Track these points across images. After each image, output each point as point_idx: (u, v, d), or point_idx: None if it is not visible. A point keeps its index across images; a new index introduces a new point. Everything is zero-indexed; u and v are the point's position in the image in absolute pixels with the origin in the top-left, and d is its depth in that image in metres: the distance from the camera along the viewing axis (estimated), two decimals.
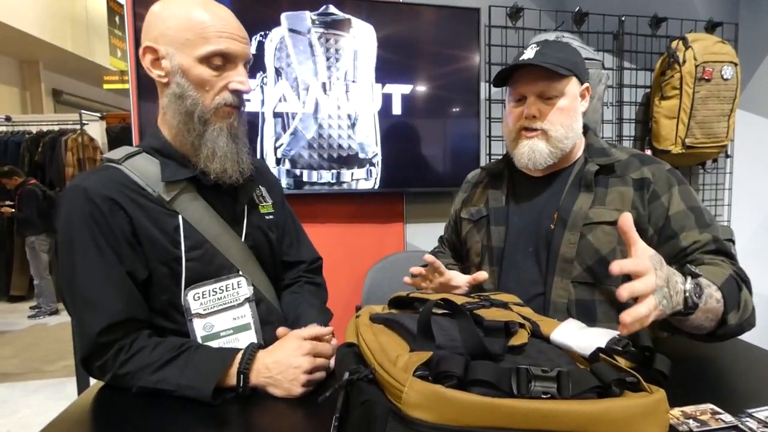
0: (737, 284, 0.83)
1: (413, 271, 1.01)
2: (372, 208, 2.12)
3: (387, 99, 2.00)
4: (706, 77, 2.05)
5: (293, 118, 1.88)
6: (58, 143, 4.89)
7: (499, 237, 1.06)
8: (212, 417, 0.70)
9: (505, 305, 0.70)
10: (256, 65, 1.80)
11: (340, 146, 1.95)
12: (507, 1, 2.11)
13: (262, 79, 1.85)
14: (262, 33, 1.83)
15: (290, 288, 1.07)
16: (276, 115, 1.88)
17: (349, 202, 2.09)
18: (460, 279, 1.02)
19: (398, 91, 2.01)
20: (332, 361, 0.82)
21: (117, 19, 5.71)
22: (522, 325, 0.59)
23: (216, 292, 0.88)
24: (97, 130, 5.16)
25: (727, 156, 2.43)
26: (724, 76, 2.07)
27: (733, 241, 2.20)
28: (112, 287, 0.79)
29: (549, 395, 0.43)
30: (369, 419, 0.48)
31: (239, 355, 0.77)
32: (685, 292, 0.72)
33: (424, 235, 2.16)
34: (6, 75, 6.36)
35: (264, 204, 1.01)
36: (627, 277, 0.64)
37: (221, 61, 0.82)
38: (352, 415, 0.52)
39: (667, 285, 0.68)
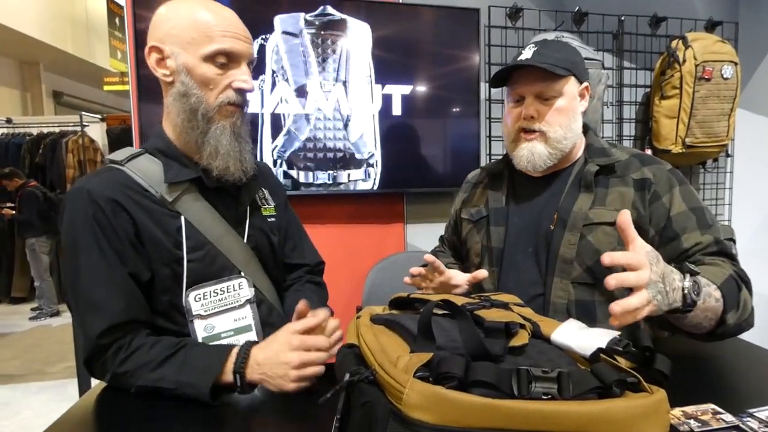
0: (737, 284, 0.83)
1: (413, 271, 1.01)
2: (372, 209, 2.12)
3: (387, 99, 2.00)
4: (706, 76, 2.05)
5: (286, 119, 1.89)
6: (59, 145, 4.89)
7: (498, 237, 1.06)
8: (213, 418, 0.70)
9: (505, 306, 0.70)
10: (257, 68, 1.81)
11: (334, 147, 1.95)
12: (506, 2, 2.11)
13: (261, 80, 1.85)
14: (264, 36, 1.83)
15: (292, 287, 1.07)
16: (271, 116, 1.88)
17: (349, 203, 2.09)
18: (459, 278, 1.02)
19: (398, 91, 2.01)
20: (335, 348, 0.80)
21: (117, 20, 5.72)
22: (522, 326, 0.59)
23: (217, 293, 0.88)
24: (97, 131, 5.17)
25: (727, 155, 2.43)
26: (724, 76, 2.07)
27: (733, 241, 2.21)
28: (114, 289, 0.80)
29: (549, 396, 0.43)
30: (370, 420, 0.48)
31: (234, 353, 0.77)
32: (683, 289, 0.72)
33: (425, 236, 2.16)
34: (6, 77, 6.36)
35: (266, 206, 1.02)
36: (624, 270, 0.64)
37: (225, 59, 0.83)
38: (353, 416, 0.52)
39: (663, 281, 0.68)
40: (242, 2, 1.79)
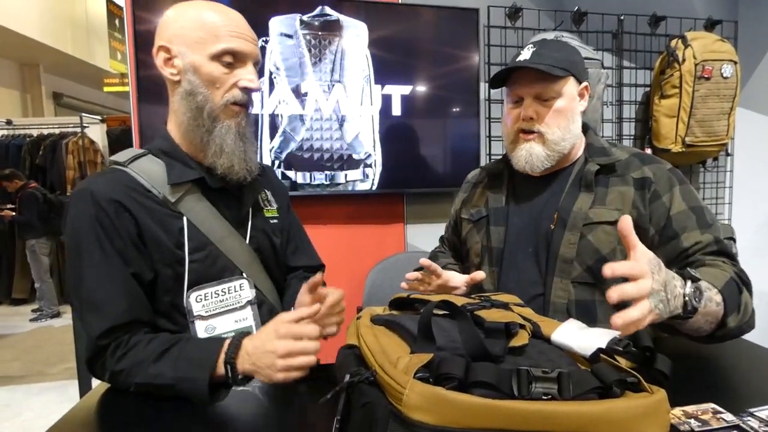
0: (738, 287, 0.83)
1: (409, 276, 1.01)
2: (372, 209, 2.12)
3: (387, 100, 2.00)
4: (706, 75, 2.05)
5: (282, 120, 1.89)
6: (59, 146, 4.89)
7: (498, 237, 1.06)
8: (213, 419, 0.70)
9: (505, 306, 0.70)
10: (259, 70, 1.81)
11: (330, 148, 1.95)
12: (506, 1, 2.11)
13: (260, 81, 1.85)
14: (264, 39, 1.84)
15: (291, 283, 1.07)
16: (269, 117, 1.88)
17: (349, 203, 2.09)
18: (458, 279, 1.02)
19: (398, 92, 2.01)
20: (332, 328, 0.80)
21: (117, 21, 5.72)
22: (522, 326, 0.59)
23: (218, 294, 0.88)
24: (97, 132, 5.17)
25: (727, 154, 2.43)
26: (724, 75, 2.07)
27: (734, 239, 2.21)
28: (116, 289, 0.80)
29: (550, 396, 0.43)
30: (370, 421, 0.48)
31: (227, 344, 0.77)
32: (684, 296, 0.72)
33: (425, 236, 2.16)
34: (7, 78, 6.37)
35: (269, 208, 1.02)
36: (626, 278, 0.64)
37: (232, 59, 0.84)
38: (353, 417, 0.52)
39: (665, 289, 0.68)
40: (241, 3, 1.80)
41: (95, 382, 0.84)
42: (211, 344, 0.78)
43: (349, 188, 1.99)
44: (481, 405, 0.41)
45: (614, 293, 0.62)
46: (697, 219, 0.92)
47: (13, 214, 4.45)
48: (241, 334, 0.79)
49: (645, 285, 0.64)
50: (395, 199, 2.14)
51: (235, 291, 0.90)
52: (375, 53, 1.97)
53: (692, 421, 0.62)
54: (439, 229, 1.37)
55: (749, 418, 0.63)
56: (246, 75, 0.86)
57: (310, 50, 1.89)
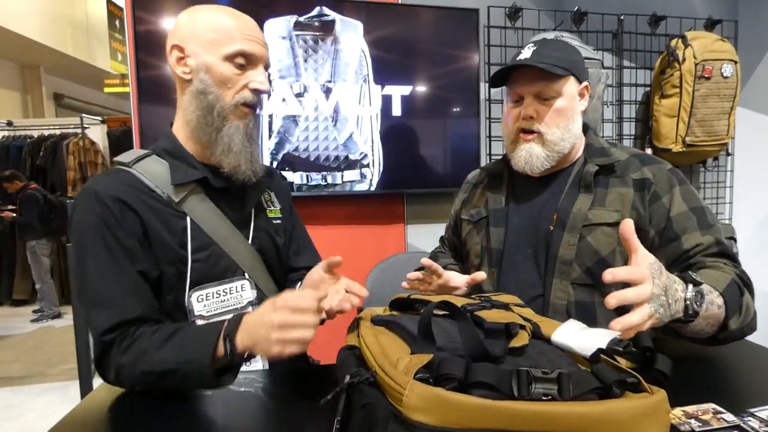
0: (739, 289, 0.83)
1: (410, 276, 1.01)
2: (372, 210, 2.12)
3: (387, 100, 2.00)
4: (706, 75, 2.05)
5: (276, 121, 1.89)
6: (60, 147, 4.90)
7: (498, 239, 1.06)
8: (213, 419, 0.70)
9: (505, 306, 0.70)
10: None
11: (325, 148, 1.95)
12: (506, 2, 2.11)
13: None
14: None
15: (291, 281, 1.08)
16: (267, 118, 1.89)
17: (349, 204, 2.09)
18: (458, 279, 1.01)
19: (398, 92, 2.01)
20: (346, 305, 0.78)
21: (117, 22, 5.72)
22: (522, 327, 0.59)
23: (219, 294, 0.89)
24: (98, 133, 5.18)
25: (727, 154, 2.42)
26: (724, 74, 2.07)
27: (734, 239, 2.21)
28: (122, 287, 0.80)
29: (550, 397, 0.43)
30: (370, 422, 0.48)
31: (227, 322, 0.76)
32: (685, 300, 0.72)
33: (425, 236, 2.16)
34: (7, 79, 6.37)
35: (272, 208, 1.03)
36: (627, 283, 0.64)
37: (244, 61, 0.86)
38: (354, 418, 0.52)
39: (665, 293, 0.68)
40: (239, 5, 1.80)
41: (96, 383, 0.84)
42: (213, 325, 0.78)
43: (347, 189, 1.99)
44: (481, 405, 0.41)
45: (613, 299, 0.62)
46: (697, 220, 0.91)
47: (14, 215, 4.45)
48: (242, 312, 0.78)
49: (645, 290, 0.64)
50: (395, 200, 2.14)
51: (237, 291, 0.90)
52: (375, 54, 1.97)
53: (693, 421, 0.62)
54: (439, 230, 1.37)
55: (750, 418, 0.63)
56: (257, 77, 0.88)
57: (305, 51, 1.89)
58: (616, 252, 0.93)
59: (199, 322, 0.86)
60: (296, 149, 1.93)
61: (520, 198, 1.07)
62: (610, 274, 0.63)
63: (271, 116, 1.89)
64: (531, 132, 0.99)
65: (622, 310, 0.66)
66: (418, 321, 0.55)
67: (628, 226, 0.67)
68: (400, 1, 2.05)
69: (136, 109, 1.78)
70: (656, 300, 0.66)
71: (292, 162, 1.93)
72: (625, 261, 0.70)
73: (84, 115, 5.05)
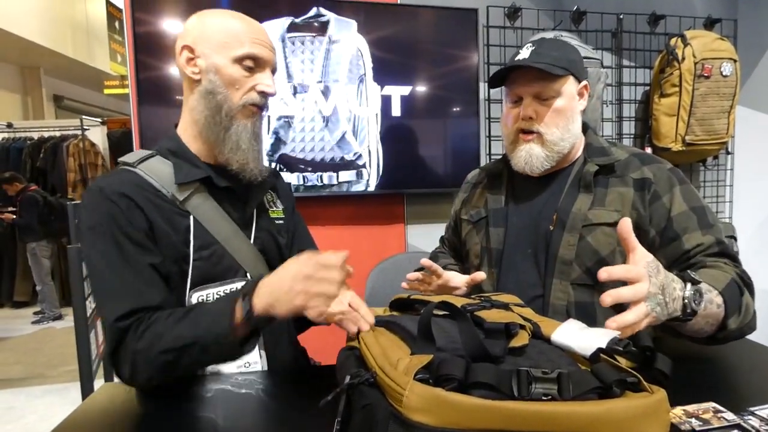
0: (739, 288, 0.83)
1: (410, 277, 1.01)
2: (372, 210, 2.12)
3: (386, 101, 2.00)
4: (706, 74, 2.05)
5: (270, 122, 1.89)
6: (60, 149, 4.90)
7: (498, 239, 1.05)
8: (214, 420, 0.70)
9: (505, 306, 0.70)
10: None
11: (318, 149, 1.95)
12: (505, 1, 2.11)
13: None
14: None
15: None
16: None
17: (349, 204, 2.09)
18: (458, 280, 1.01)
19: (397, 92, 2.02)
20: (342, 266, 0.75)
21: (117, 24, 5.73)
22: (522, 327, 0.59)
23: (220, 295, 0.89)
24: (98, 135, 5.19)
25: (727, 153, 2.42)
26: (724, 73, 2.07)
27: (735, 238, 2.21)
28: (134, 277, 0.80)
29: (550, 397, 0.43)
30: (370, 423, 0.48)
31: (244, 284, 0.77)
32: (683, 299, 0.72)
33: (425, 236, 2.16)
34: (7, 81, 6.38)
35: (275, 209, 1.03)
36: (624, 281, 0.64)
37: (252, 63, 0.88)
38: (354, 418, 0.52)
39: (663, 292, 0.68)
40: (237, 8, 1.80)
41: (97, 384, 0.84)
42: (229, 295, 0.78)
43: (344, 189, 2.00)
44: (481, 406, 0.41)
45: (608, 297, 0.62)
46: (698, 219, 0.91)
47: (14, 217, 4.45)
48: (260, 276, 0.77)
49: (641, 289, 0.64)
50: (395, 200, 2.15)
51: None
52: (374, 54, 1.97)
53: (693, 420, 0.62)
54: (439, 230, 1.37)
55: (750, 417, 0.63)
56: (264, 80, 0.90)
57: (300, 52, 1.89)
58: (616, 252, 0.92)
59: None
60: (292, 150, 1.93)
61: (519, 198, 1.07)
62: (605, 273, 0.63)
63: (267, 117, 1.89)
64: (530, 132, 0.98)
65: (621, 308, 0.66)
66: (418, 321, 0.55)
67: (625, 225, 0.67)
68: (399, 2, 2.05)
69: (135, 110, 1.78)
70: (653, 299, 0.66)
71: (288, 163, 1.93)
72: (625, 261, 0.70)
73: (84, 116, 5.05)
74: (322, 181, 1.97)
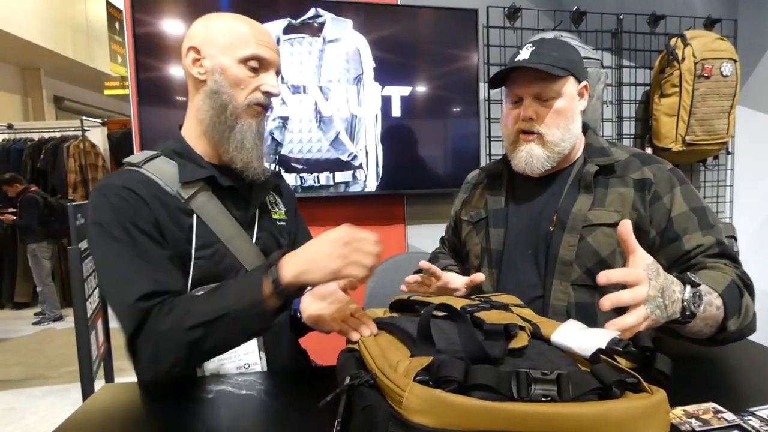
0: (739, 290, 0.82)
1: (409, 279, 1.00)
2: (372, 210, 2.12)
3: (386, 101, 2.00)
4: (706, 74, 2.05)
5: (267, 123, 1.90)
6: (60, 150, 4.90)
7: (498, 240, 1.05)
8: (214, 421, 0.70)
9: (505, 307, 0.70)
10: None
11: (318, 150, 1.95)
12: (505, 2, 2.11)
13: None
14: None
15: None
16: None
17: (349, 205, 2.10)
18: (458, 281, 1.01)
19: (397, 93, 2.02)
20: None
21: (117, 25, 5.74)
22: (522, 328, 0.59)
23: None
24: (98, 136, 5.19)
25: (727, 153, 2.42)
26: (724, 73, 2.07)
27: (735, 238, 2.21)
28: (150, 264, 0.79)
29: (549, 398, 0.43)
30: (370, 424, 0.48)
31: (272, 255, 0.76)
32: (683, 301, 0.72)
33: (426, 237, 2.16)
34: (7, 82, 6.39)
35: (276, 210, 1.04)
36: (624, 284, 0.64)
37: (257, 64, 0.90)
38: (354, 420, 0.52)
39: (662, 295, 0.68)
40: (236, 9, 1.80)
41: (98, 385, 0.84)
42: (258, 267, 0.78)
43: (341, 190, 2.00)
44: (481, 407, 0.41)
45: (607, 301, 0.62)
46: (698, 220, 0.91)
47: (14, 218, 4.45)
48: (284, 250, 0.77)
49: (641, 292, 0.64)
50: (395, 200, 2.15)
51: None
52: (374, 55, 1.97)
53: (693, 420, 0.62)
54: (439, 230, 1.37)
55: (750, 417, 0.63)
56: (269, 80, 0.91)
57: (295, 53, 1.89)
58: (616, 253, 0.92)
59: None
60: (290, 151, 1.93)
61: (519, 198, 1.07)
62: (604, 277, 0.63)
63: None
64: (531, 133, 0.98)
65: (621, 310, 0.66)
66: (418, 323, 0.56)
67: (626, 227, 0.67)
68: (399, 2, 2.05)
69: (136, 111, 1.78)
70: (652, 302, 0.66)
71: (285, 163, 1.93)
72: (626, 262, 0.70)
73: (84, 117, 5.06)
74: (319, 182, 1.97)
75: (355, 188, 2.01)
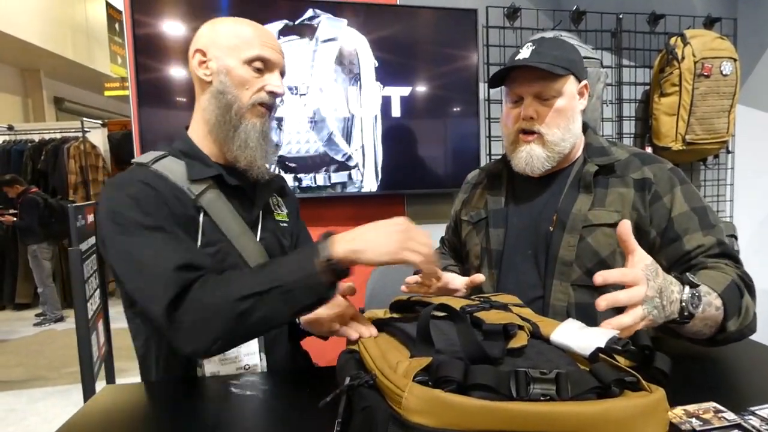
0: (739, 290, 0.82)
1: (409, 280, 1.00)
2: (373, 211, 2.12)
3: (386, 101, 2.00)
4: (705, 73, 2.05)
5: None
6: (61, 151, 4.91)
7: (498, 240, 1.05)
8: (214, 421, 0.70)
9: (504, 307, 0.71)
10: None
11: (316, 150, 1.96)
12: (504, 2, 2.11)
13: None
14: None
15: None
16: None
17: (349, 205, 2.10)
18: (457, 282, 1.00)
19: (397, 93, 2.02)
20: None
21: (116, 26, 5.74)
22: (521, 327, 0.59)
23: None
24: (98, 137, 5.20)
25: (728, 152, 2.42)
26: (724, 72, 2.07)
27: (735, 237, 2.21)
28: (179, 243, 0.78)
29: (548, 397, 0.44)
30: (370, 425, 0.48)
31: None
32: (681, 302, 0.72)
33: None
34: (8, 84, 6.39)
35: (279, 212, 1.05)
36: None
37: (262, 65, 0.91)
38: (354, 420, 0.52)
39: (660, 295, 0.67)
40: (235, 12, 1.80)
41: (99, 386, 0.84)
42: (309, 245, 0.76)
43: (338, 191, 2.00)
44: (480, 407, 0.41)
45: (603, 301, 0.62)
46: (699, 220, 0.90)
47: (14, 219, 4.46)
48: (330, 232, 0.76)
49: (638, 292, 0.64)
50: (396, 200, 2.15)
51: None
52: (374, 55, 1.97)
53: (693, 420, 0.62)
54: (440, 230, 1.37)
55: (751, 416, 0.63)
56: (273, 81, 0.92)
57: (291, 54, 1.90)
58: (616, 253, 0.92)
59: None
60: (288, 152, 1.93)
61: (519, 199, 1.06)
62: (600, 277, 0.63)
63: None
64: (531, 133, 0.98)
65: (620, 310, 0.66)
66: (417, 324, 0.56)
67: (625, 227, 0.67)
68: (398, 2, 2.05)
69: (136, 111, 1.78)
70: (650, 302, 0.66)
71: (281, 164, 1.94)
72: (625, 263, 0.70)
73: (85, 118, 5.06)
74: (316, 183, 1.97)
75: (351, 189, 2.01)
